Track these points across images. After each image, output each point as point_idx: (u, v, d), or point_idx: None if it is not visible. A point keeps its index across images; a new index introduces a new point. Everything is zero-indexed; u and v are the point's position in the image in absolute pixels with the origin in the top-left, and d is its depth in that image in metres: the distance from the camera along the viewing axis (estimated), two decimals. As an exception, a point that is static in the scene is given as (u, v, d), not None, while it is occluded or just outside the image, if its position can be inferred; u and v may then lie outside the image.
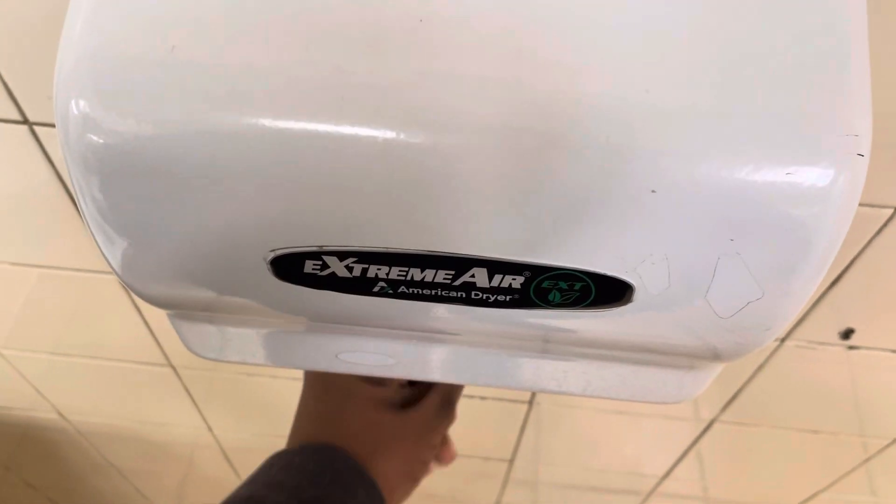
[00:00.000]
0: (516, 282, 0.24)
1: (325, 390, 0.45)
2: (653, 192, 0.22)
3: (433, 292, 0.25)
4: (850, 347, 0.61)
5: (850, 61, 0.22)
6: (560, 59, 0.22)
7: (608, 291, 0.24)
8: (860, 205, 0.44)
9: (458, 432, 0.88)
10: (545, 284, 0.24)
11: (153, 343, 0.75)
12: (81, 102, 0.22)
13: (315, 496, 0.39)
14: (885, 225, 0.47)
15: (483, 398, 0.79)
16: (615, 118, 0.22)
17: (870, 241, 0.49)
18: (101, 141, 0.23)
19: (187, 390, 0.85)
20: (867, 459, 0.83)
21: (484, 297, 0.25)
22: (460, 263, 0.24)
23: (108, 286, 0.67)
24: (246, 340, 0.34)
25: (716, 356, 0.28)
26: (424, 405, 0.45)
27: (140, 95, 0.22)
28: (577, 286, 0.24)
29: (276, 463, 0.41)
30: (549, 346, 0.31)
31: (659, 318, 0.26)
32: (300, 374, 0.51)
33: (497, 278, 0.24)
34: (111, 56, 0.22)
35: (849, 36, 0.22)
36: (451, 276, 0.24)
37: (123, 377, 0.84)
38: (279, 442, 0.44)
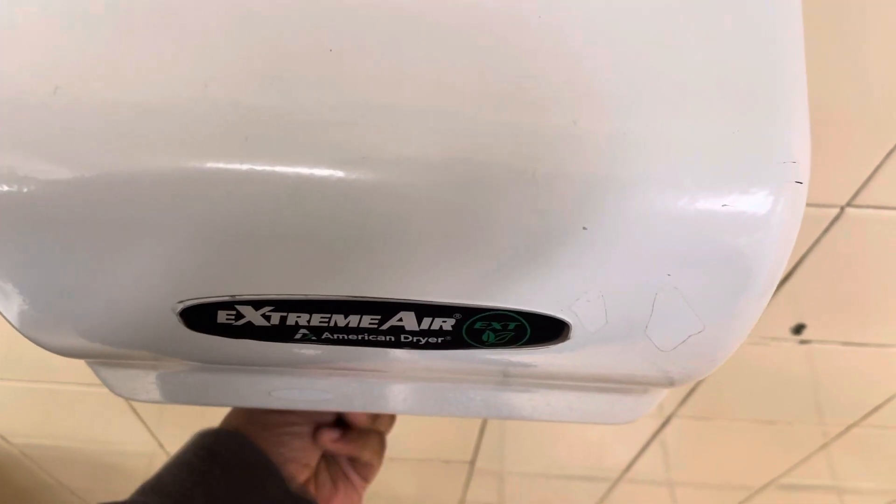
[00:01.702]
0: (447, 324, 0.23)
1: None
2: (584, 228, 0.21)
3: (359, 337, 0.24)
4: (802, 342, 0.61)
5: (787, 86, 0.21)
6: (483, 90, 0.21)
7: (544, 330, 0.23)
8: (807, 205, 0.43)
9: (420, 434, 0.87)
10: (478, 326, 0.23)
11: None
12: (-43, 149, 0.20)
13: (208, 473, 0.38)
14: (831, 224, 0.46)
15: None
16: (541, 152, 0.20)
17: (818, 240, 0.48)
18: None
19: (135, 411, 0.83)
20: (825, 445, 0.84)
21: (414, 340, 0.24)
22: (386, 308, 0.22)
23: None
24: (174, 382, 0.32)
25: (660, 384, 0.27)
26: None
27: (23, 141, 0.20)
28: (511, 326, 0.23)
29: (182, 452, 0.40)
30: (491, 378, 0.30)
31: (599, 353, 0.24)
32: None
33: (426, 321, 0.23)
34: (-13, 99, 0.20)
35: (784, 58, 0.21)
36: (377, 321, 0.23)
37: (70, 400, 0.80)
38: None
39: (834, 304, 0.56)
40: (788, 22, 0.22)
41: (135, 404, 0.81)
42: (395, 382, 0.31)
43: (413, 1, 0.21)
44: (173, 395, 0.32)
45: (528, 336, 0.23)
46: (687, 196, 0.20)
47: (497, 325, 0.23)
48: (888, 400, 0.72)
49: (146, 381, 0.32)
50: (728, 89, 0.21)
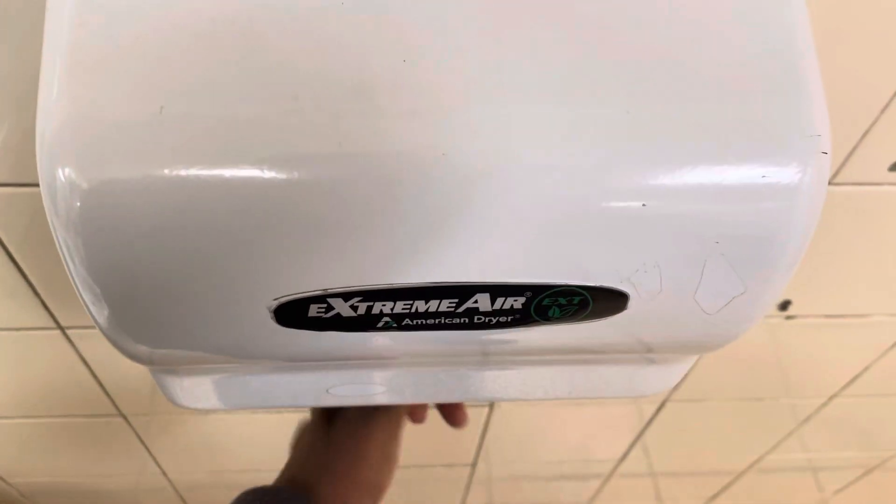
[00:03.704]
0: (518, 303, 0.25)
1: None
2: (643, 205, 0.23)
3: (436, 321, 0.26)
4: (788, 317, 0.65)
5: (804, 67, 0.24)
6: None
7: (605, 302, 0.26)
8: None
9: (418, 443, 0.88)
10: (545, 302, 0.25)
11: (101, 394, 0.72)
12: (67, 170, 0.22)
13: None
14: (814, 202, 0.50)
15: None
16: (599, 139, 0.23)
17: (801, 219, 0.52)
18: (92, 205, 0.22)
19: (140, 437, 0.82)
20: (808, 418, 0.88)
21: (486, 321, 0.26)
22: (464, 291, 0.25)
23: (48, 343, 0.64)
24: (232, 387, 0.33)
25: (699, 349, 0.30)
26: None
27: (131, 157, 0.22)
28: (576, 300, 0.25)
29: None
30: (537, 357, 0.32)
31: (650, 321, 0.27)
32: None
33: (499, 301, 0.25)
34: (95, 120, 0.22)
35: (799, 44, 0.24)
36: (454, 304, 0.25)
37: (70, 433, 0.80)
38: (237, 477, 0.44)
39: (817, 278, 0.60)
40: (797, 10, 0.25)
41: (139, 430, 0.81)
42: (444, 370, 0.33)
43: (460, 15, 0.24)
44: (234, 399, 0.34)
45: (590, 308, 0.26)
46: (732, 170, 0.23)
47: (563, 300, 0.25)
48: (866, 369, 0.76)
49: (206, 388, 0.33)
50: (756, 74, 0.24)
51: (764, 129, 0.23)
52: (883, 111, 0.43)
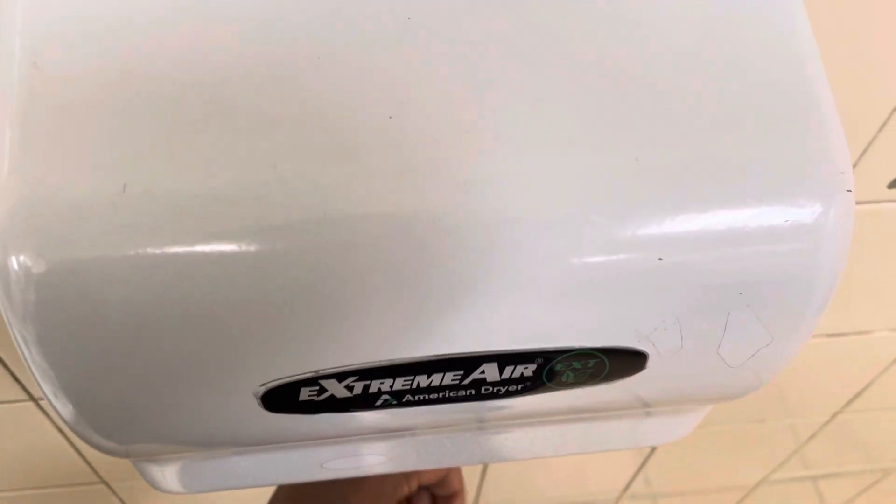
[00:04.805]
0: (528, 370, 0.23)
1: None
2: (660, 259, 0.21)
3: (440, 395, 0.23)
4: (790, 339, 0.63)
5: (820, 101, 0.22)
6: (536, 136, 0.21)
7: (622, 363, 0.23)
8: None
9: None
10: (558, 368, 0.23)
11: (81, 462, 0.69)
12: (21, 257, 0.19)
13: None
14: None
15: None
16: (608, 192, 0.21)
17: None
18: (49, 297, 0.20)
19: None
20: (813, 436, 0.86)
21: (495, 391, 0.24)
22: (469, 363, 0.22)
23: (22, 415, 0.61)
24: (219, 470, 0.31)
25: (719, 400, 0.28)
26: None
27: (93, 243, 0.19)
28: (591, 363, 0.23)
29: None
30: (549, 417, 0.30)
31: (669, 379, 0.25)
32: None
33: (508, 370, 0.23)
34: (52, 201, 0.20)
35: (811, 74, 0.23)
36: (459, 377, 0.23)
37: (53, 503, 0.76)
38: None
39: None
40: (804, 38, 0.23)
41: (123, 496, 0.77)
42: (447, 437, 0.31)
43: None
44: (221, 482, 0.31)
45: (606, 371, 0.24)
46: (753, 215, 0.21)
47: (577, 364, 0.23)
48: (869, 384, 0.75)
49: (191, 473, 0.31)
50: (771, 111, 0.22)
51: (783, 168, 0.21)
52: (881, 129, 0.42)
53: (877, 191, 0.47)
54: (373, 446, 0.31)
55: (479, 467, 0.85)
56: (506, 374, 0.23)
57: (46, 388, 0.22)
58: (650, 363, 0.24)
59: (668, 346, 0.23)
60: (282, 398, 0.22)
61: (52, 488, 0.74)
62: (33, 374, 0.22)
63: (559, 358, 0.23)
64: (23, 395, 0.56)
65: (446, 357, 0.22)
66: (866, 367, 0.72)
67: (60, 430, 0.63)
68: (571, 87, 0.22)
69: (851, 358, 0.69)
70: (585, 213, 0.21)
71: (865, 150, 0.43)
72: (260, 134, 0.20)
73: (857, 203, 0.48)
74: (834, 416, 0.82)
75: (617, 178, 0.21)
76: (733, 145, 0.21)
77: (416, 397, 0.23)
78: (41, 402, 0.58)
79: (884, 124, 0.41)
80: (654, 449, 0.84)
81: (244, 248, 0.20)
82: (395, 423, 0.26)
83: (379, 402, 0.23)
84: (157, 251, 0.20)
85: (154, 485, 0.31)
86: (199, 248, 0.20)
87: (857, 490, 1.09)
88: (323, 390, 0.22)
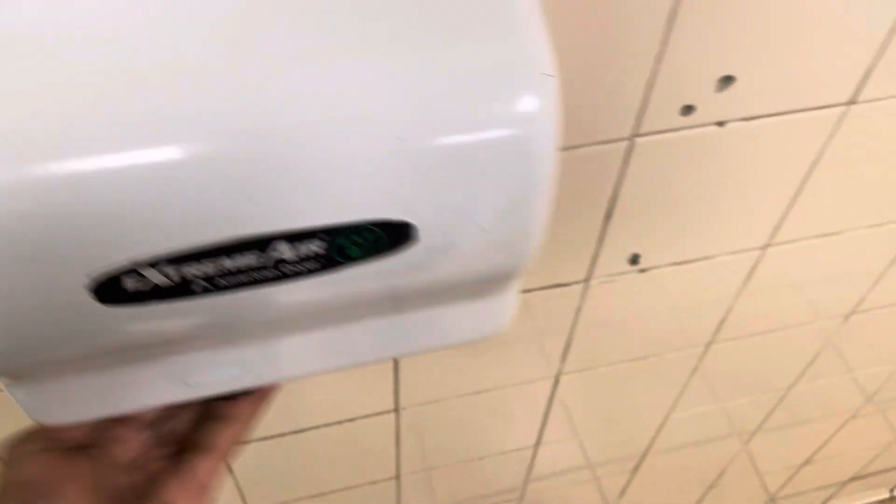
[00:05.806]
0: (319, 246, 0.28)
1: None
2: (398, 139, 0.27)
3: (250, 277, 0.28)
4: (641, 270, 0.70)
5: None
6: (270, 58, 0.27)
7: (396, 234, 0.29)
8: (599, 143, 0.52)
9: (336, 463, 0.89)
10: (341, 242, 0.28)
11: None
12: None
13: None
14: (626, 156, 0.56)
15: (340, 423, 0.81)
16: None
17: (623, 173, 0.58)
18: None
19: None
20: (695, 369, 0.94)
21: (296, 269, 0.29)
22: (263, 243, 0.27)
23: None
24: (86, 391, 0.35)
25: (501, 273, 0.34)
26: None
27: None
28: (371, 237, 0.29)
29: None
30: (373, 308, 0.35)
31: (443, 251, 0.31)
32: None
33: (300, 247, 0.28)
34: None
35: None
36: (256, 257, 0.28)
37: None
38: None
39: (655, 228, 0.66)
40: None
41: None
42: (295, 336, 0.36)
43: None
44: (92, 405, 0.35)
45: (385, 244, 0.29)
46: (466, 100, 0.27)
47: (358, 239, 0.29)
48: (729, 310, 0.83)
49: (64, 395, 0.34)
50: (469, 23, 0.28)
51: (488, 65, 0.28)
52: (659, 61, 0.49)
53: (672, 119, 0.54)
54: (226, 354, 0.35)
55: (393, 444, 0.89)
56: (300, 252, 0.28)
57: None
58: (422, 234, 0.29)
59: (430, 221, 0.29)
60: (112, 289, 0.27)
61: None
62: None
63: (339, 234, 0.28)
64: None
65: (243, 238, 0.27)
66: (721, 293, 0.80)
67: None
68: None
69: (704, 286, 0.77)
70: (344, 117, 0.26)
71: (653, 83, 0.50)
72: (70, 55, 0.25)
73: (658, 133, 0.55)
74: (708, 346, 0.89)
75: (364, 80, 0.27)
76: (440, 57, 0.28)
77: (230, 281, 0.28)
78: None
79: (659, 55, 0.48)
80: (552, 396, 0.90)
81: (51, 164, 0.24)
82: (224, 317, 0.30)
83: (198, 289, 0.28)
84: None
85: (29, 414, 0.34)
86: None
87: (761, 418, 1.16)
88: (142, 277, 0.27)
